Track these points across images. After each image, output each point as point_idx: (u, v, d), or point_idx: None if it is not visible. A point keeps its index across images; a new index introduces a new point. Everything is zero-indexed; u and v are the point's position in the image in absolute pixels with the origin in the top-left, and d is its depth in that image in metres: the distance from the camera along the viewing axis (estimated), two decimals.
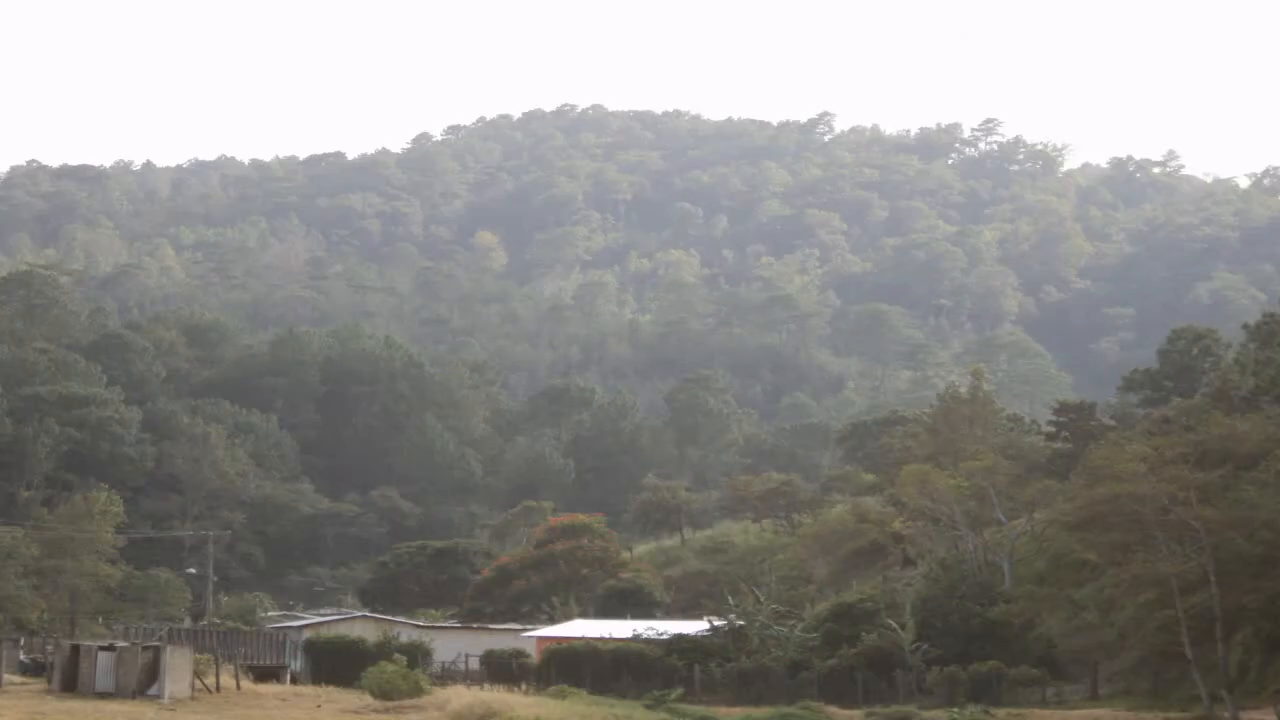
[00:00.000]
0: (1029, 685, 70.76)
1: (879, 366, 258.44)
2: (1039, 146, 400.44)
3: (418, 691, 62.95)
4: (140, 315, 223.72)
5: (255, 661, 70.72)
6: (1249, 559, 58.33)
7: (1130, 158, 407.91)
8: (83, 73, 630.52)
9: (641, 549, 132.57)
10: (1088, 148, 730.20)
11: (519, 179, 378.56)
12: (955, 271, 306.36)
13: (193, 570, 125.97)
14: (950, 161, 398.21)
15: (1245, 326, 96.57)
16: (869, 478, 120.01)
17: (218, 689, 61.02)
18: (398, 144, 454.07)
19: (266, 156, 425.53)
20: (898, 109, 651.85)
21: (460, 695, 61.47)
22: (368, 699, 62.31)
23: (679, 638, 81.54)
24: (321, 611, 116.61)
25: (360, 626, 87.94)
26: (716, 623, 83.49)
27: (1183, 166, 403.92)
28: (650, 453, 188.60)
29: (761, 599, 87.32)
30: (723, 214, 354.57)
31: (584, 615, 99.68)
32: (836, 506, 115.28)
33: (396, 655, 71.31)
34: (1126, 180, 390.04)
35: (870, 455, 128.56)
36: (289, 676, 72.45)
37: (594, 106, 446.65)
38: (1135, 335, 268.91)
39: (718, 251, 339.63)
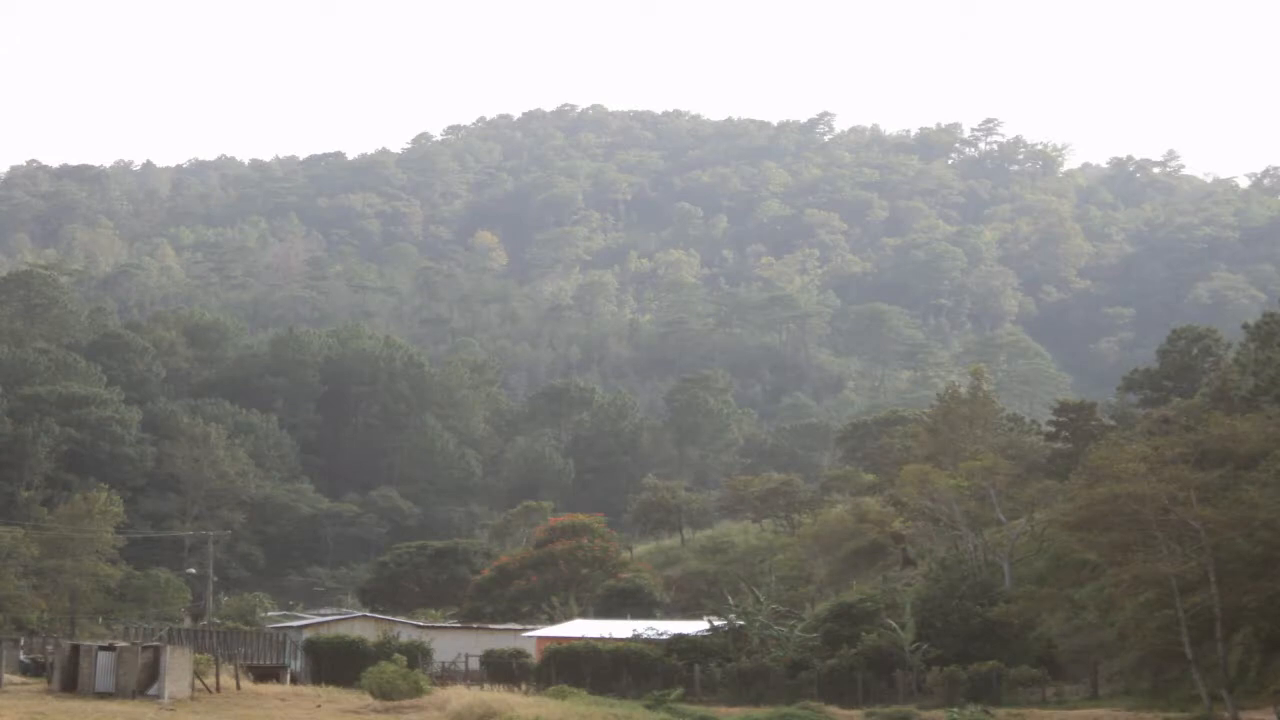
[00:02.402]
0: (1029, 685, 70.75)
1: (879, 366, 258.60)
2: (1039, 146, 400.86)
3: (418, 691, 62.95)
4: (140, 315, 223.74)
5: (255, 661, 70.66)
6: (1249, 559, 58.35)
7: (1130, 158, 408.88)
8: (83, 73, 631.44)
9: (641, 549, 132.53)
10: (1088, 148, 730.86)
11: (519, 179, 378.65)
12: (955, 271, 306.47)
13: (193, 570, 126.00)
14: (950, 161, 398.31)
15: (1245, 326, 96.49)
16: (869, 478, 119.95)
17: (218, 689, 61.00)
18: (398, 144, 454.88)
19: (266, 156, 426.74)
20: (898, 109, 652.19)
21: (460, 695, 61.43)
22: (368, 699, 62.31)
23: (679, 638, 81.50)
24: (321, 611, 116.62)
25: (360, 626, 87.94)
26: (716, 623, 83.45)
27: (1183, 166, 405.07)
28: (650, 453, 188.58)
29: (761, 599, 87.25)
30: (723, 214, 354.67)
31: (584, 615, 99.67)
32: (836, 506, 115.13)
33: (396, 655, 71.24)
34: (1126, 180, 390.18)
35: (870, 455, 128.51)
36: (289, 676, 72.41)
37: (594, 106, 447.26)
38: (1135, 335, 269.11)
39: (718, 251, 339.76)
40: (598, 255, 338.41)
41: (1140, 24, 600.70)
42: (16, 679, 63.33)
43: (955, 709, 64.30)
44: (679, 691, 73.21)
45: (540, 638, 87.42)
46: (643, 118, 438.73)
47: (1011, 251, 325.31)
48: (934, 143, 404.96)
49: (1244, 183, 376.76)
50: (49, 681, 61.53)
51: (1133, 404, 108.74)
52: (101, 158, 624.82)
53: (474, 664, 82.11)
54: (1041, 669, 71.20)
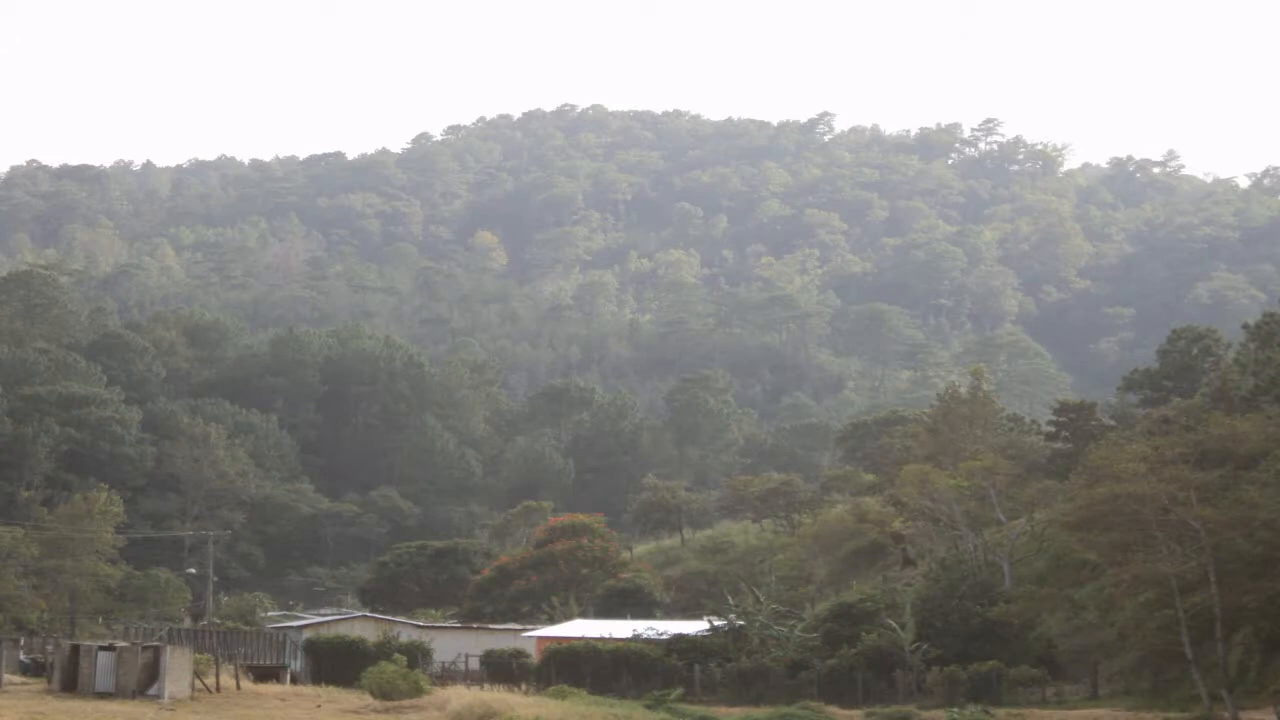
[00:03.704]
0: (1029, 685, 70.76)
1: (879, 366, 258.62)
2: (1039, 146, 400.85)
3: (418, 691, 62.95)
4: (140, 315, 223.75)
5: (255, 661, 70.67)
6: (1249, 559, 58.35)
7: (1130, 158, 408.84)
8: (83, 73, 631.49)
9: (641, 549, 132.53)
10: (1088, 148, 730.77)
11: (519, 179, 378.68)
12: (955, 271, 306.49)
13: (193, 570, 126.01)
14: (950, 161, 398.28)
15: (1245, 326, 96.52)
16: (869, 478, 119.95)
17: (218, 689, 61.01)
18: (398, 144, 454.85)
19: (266, 156, 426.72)
20: (898, 109, 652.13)
21: (460, 695, 61.44)
22: (368, 699, 62.31)
23: (679, 638, 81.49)
24: (321, 611, 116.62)
25: (360, 626, 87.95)
26: (716, 623, 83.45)
27: (1183, 166, 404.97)
28: (650, 453, 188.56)
29: (761, 599, 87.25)
30: (723, 214, 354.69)
31: (584, 615, 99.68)
32: (836, 506, 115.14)
33: (396, 655, 71.25)
34: (1126, 180, 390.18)
35: (870, 455, 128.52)
36: (289, 676, 72.42)
37: (594, 106, 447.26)
38: (1135, 335, 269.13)
39: (718, 251, 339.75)
40: (598, 255, 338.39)
41: (1140, 24, 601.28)
42: (16, 679, 63.33)
43: (955, 709, 64.30)
44: (679, 691, 73.21)
45: (540, 638, 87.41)
46: (643, 118, 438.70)
47: (1011, 251, 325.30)
48: (934, 143, 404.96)
49: (1244, 183, 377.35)
50: (49, 681, 61.53)
51: (1133, 404, 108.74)
52: (101, 158, 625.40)
53: (474, 664, 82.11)
54: (1041, 669, 71.20)
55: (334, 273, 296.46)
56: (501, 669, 79.49)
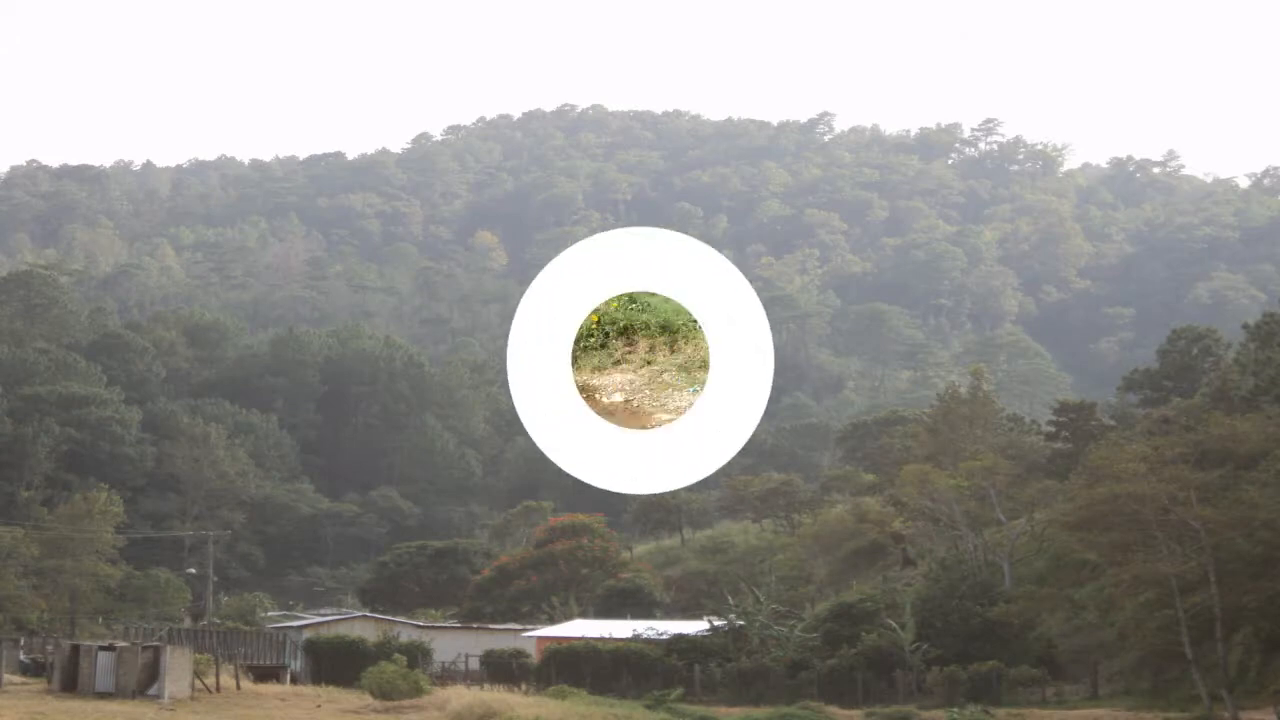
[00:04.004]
0: (1029, 685, 70.80)
1: (879, 366, 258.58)
2: (1039, 146, 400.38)
3: (418, 691, 62.99)
4: (140, 315, 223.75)
5: (255, 661, 70.74)
6: (1249, 559, 58.37)
7: (1130, 158, 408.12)
8: (83, 73, 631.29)
9: (641, 549, 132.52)
10: (1088, 148, 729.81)
11: (519, 179, 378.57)
12: (955, 271, 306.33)
13: (193, 570, 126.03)
14: (950, 161, 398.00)
15: (1245, 326, 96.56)
16: (869, 478, 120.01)
17: (218, 689, 61.05)
18: (398, 144, 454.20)
19: (266, 156, 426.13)
20: (898, 109, 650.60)
21: (460, 695, 61.49)
22: (368, 699, 62.35)
23: (679, 638, 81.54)
24: (321, 611, 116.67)
25: (360, 626, 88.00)
26: (716, 623, 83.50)
27: (1183, 166, 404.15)
28: None
29: (761, 599, 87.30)
30: (723, 214, 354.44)
31: (584, 615, 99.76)
32: (836, 506, 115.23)
33: (396, 655, 71.31)
34: (1126, 180, 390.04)
35: (870, 455, 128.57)
36: (289, 676, 72.45)
37: (594, 106, 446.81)
38: (1135, 335, 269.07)
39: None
40: None
41: (1139, 24, 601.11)
42: (16, 679, 63.37)
43: (955, 709, 64.35)
44: (679, 691, 73.25)
45: (540, 638, 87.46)
46: (643, 118, 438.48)
47: (1011, 251, 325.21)
48: (934, 143, 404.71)
49: (1244, 183, 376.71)
50: (49, 681, 61.56)
51: (1133, 404, 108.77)
52: (101, 158, 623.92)
53: (474, 664, 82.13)
54: (1041, 669, 71.24)
55: (334, 273, 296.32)
56: (501, 669, 79.52)
